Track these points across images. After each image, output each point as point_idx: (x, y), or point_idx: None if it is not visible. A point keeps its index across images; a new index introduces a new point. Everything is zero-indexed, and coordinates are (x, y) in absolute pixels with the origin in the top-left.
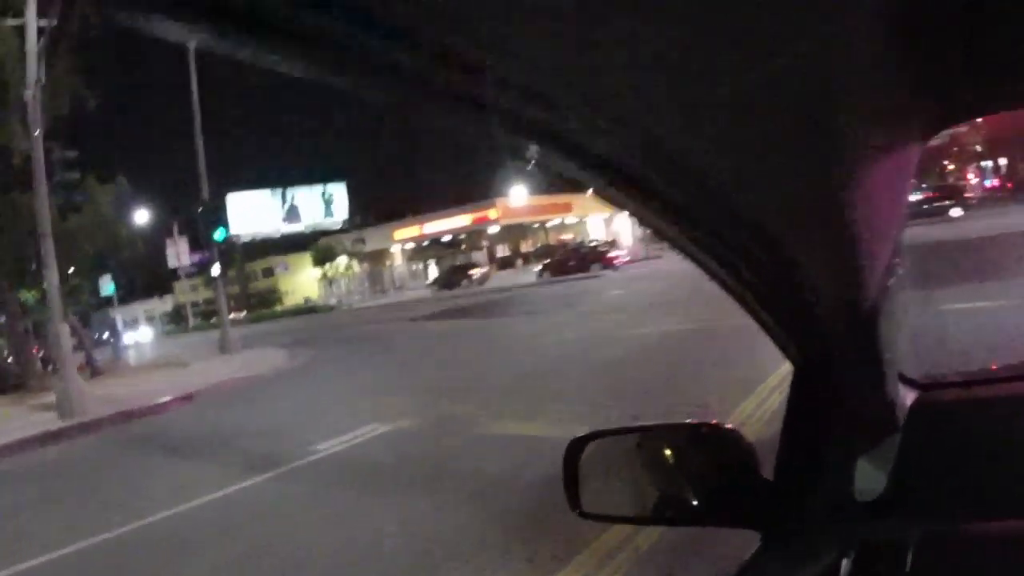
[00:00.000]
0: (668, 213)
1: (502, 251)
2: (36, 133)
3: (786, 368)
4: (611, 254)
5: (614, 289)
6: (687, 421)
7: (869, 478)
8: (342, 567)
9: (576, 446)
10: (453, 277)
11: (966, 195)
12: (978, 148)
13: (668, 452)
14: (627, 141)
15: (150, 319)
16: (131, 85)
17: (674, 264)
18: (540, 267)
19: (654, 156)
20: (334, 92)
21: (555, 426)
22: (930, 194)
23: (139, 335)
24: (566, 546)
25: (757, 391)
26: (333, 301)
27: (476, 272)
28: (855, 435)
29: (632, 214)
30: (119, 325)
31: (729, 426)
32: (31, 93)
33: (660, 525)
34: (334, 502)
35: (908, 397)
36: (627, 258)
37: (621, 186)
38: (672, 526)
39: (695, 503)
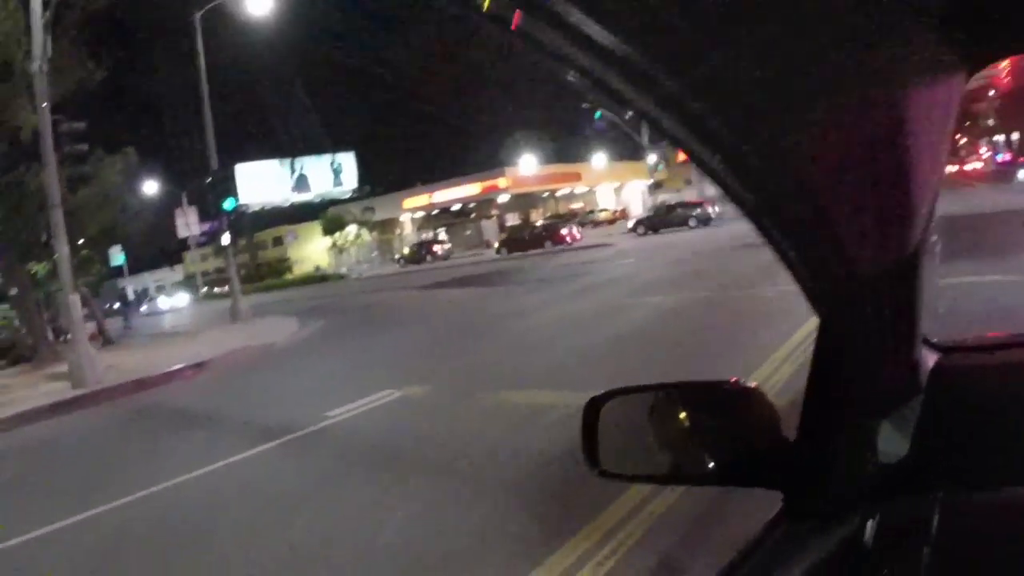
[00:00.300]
0: (718, 151)
1: (512, 220)
2: (44, 105)
3: (795, 338)
4: (563, 232)
5: (620, 260)
6: (708, 380)
7: (891, 440)
8: (347, 531)
9: (595, 404)
10: (420, 252)
11: None
12: (990, 122)
13: (688, 410)
14: (693, 80)
15: (160, 289)
16: (138, 57)
17: (643, 242)
18: (498, 243)
19: (711, 95)
20: (342, 61)
21: (561, 393)
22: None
23: (175, 300)
24: (576, 512)
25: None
26: (343, 270)
27: (439, 248)
28: (879, 395)
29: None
30: (130, 295)
31: (752, 384)
32: (37, 66)
33: (680, 484)
34: (342, 467)
35: (930, 360)
36: (580, 236)
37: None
38: (692, 485)
39: (715, 463)
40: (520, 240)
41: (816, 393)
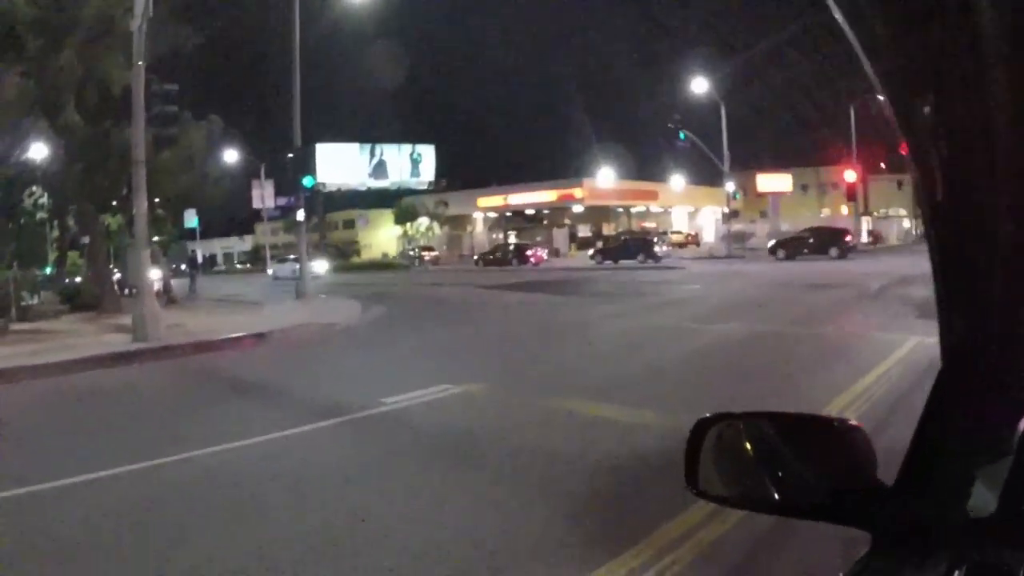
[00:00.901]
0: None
1: (583, 231)
2: (139, 64)
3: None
4: (529, 252)
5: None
6: (817, 413)
7: (981, 496)
8: (394, 517)
9: (701, 425)
10: (506, 255)
11: None
12: None
13: (790, 441)
14: None
15: (228, 256)
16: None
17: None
18: (477, 256)
19: None
20: (433, 53)
21: (620, 408)
22: None
23: (317, 266)
24: (627, 529)
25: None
26: (408, 259)
27: (428, 255)
28: (979, 452)
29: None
30: (198, 258)
31: (855, 423)
32: (137, 24)
33: (771, 514)
34: (393, 454)
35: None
36: (545, 257)
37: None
38: (783, 516)
39: (809, 496)
40: (493, 257)
41: (923, 442)
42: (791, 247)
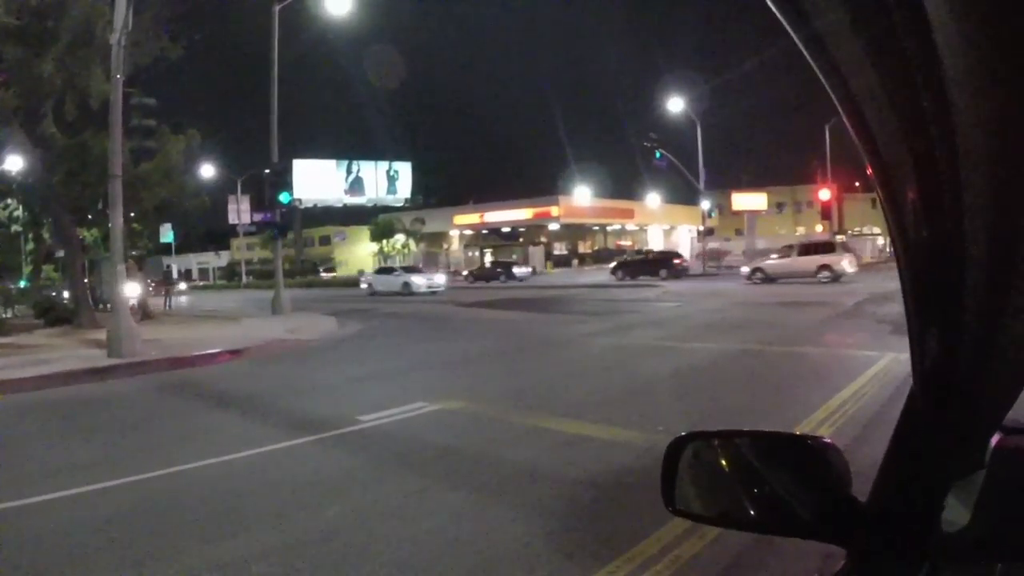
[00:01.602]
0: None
1: (559, 249)
2: (118, 76)
3: (834, 402)
4: (516, 269)
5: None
6: (790, 431)
7: (954, 510)
8: (372, 535)
9: (677, 444)
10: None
11: None
12: None
13: (765, 459)
14: None
15: (203, 272)
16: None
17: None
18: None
19: None
20: (409, 71)
21: (594, 426)
22: None
23: (436, 279)
24: (604, 545)
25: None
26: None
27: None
28: (951, 467)
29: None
30: (174, 273)
31: (829, 440)
32: (117, 37)
33: (749, 531)
34: (368, 472)
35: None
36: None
37: None
38: (760, 533)
39: (784, 513)
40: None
41: (895, 460)
42: (632, 269)
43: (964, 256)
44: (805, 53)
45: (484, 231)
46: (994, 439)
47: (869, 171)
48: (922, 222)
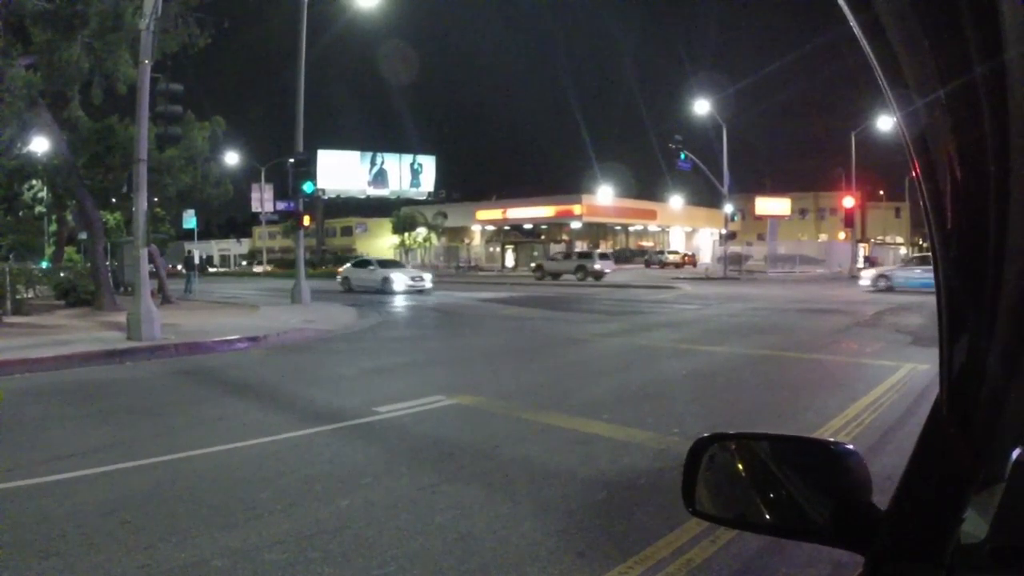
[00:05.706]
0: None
1: (580, 247)
2: (146, 62)
3: (851, 411)
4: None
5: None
6: (814, 436)
7: (972, 521)
8: (384, 527)
9: (700, 445)
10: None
11: None
12: None
13: (786, 463)
14: None
15: (224, 259)
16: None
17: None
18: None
19: None
20: (434, 67)
21: (613, 427)
22: None
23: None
24: (614, 546)
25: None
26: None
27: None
28: (971, 479)
29: None
30: (195, 259)
31: (851, 446)
32: (146, 23)
33: (767, 534)
34: (382, 464)
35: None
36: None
37: None
38: (778, 537)
39: (803, 517)
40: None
41: (918, 467)
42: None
43: (1003, 259)
44: (861, 39)
45: (506, 227)
46: (1015, 453)
47: (913, 171)
48: (964, 221)
